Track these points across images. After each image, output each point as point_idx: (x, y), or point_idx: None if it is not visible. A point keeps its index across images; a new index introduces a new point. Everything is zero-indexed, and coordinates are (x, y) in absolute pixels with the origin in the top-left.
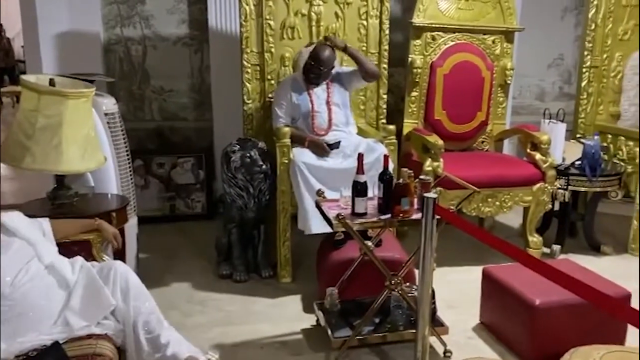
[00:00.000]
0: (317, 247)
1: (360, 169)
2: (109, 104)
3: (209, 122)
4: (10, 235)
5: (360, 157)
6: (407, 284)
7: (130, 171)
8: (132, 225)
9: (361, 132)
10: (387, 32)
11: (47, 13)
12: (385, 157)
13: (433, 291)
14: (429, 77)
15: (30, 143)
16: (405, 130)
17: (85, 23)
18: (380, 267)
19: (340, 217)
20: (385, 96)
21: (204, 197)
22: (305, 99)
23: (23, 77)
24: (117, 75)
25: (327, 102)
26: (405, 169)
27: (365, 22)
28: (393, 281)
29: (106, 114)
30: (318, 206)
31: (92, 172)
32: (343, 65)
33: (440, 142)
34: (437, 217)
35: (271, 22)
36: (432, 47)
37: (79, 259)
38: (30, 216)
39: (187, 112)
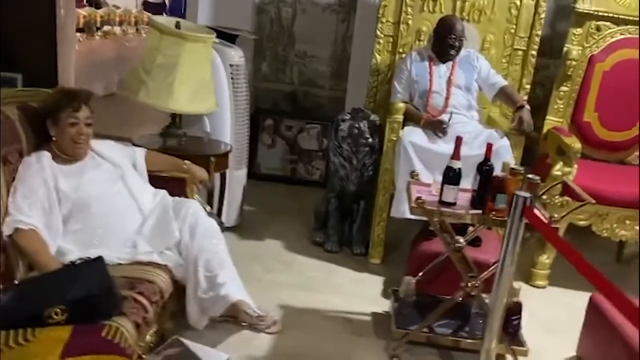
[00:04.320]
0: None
1: (456, 154)
2: (236, 56)
3: (342, 92)
4: (101, 159)
5: (459, 140)
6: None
7: (247, 124)
8: (239, 177)
9: (491, 122)
10: (542, 15)
11: None
12: (489, 146)
13: (520, 306)
14: (585, 72)
15: (147, 78)
16: (545, 129)
17: None
18: (458, 266)
19: (419, 202)
20: (528, 87)
21: (323, 165)
22: (425, 76)
23: (152, 17)
24: (265, 36)
25: (448, 83)
26: (508, 162)
27: (518, 2)
28: (470, 284)
29: (231, 65)
30: (407, 188)
31: (209, 118)
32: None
33: (578, 145)
34: (525, 221)
35: None
36: (594, 39)
37: (162, 192)
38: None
39: (323, 80)
